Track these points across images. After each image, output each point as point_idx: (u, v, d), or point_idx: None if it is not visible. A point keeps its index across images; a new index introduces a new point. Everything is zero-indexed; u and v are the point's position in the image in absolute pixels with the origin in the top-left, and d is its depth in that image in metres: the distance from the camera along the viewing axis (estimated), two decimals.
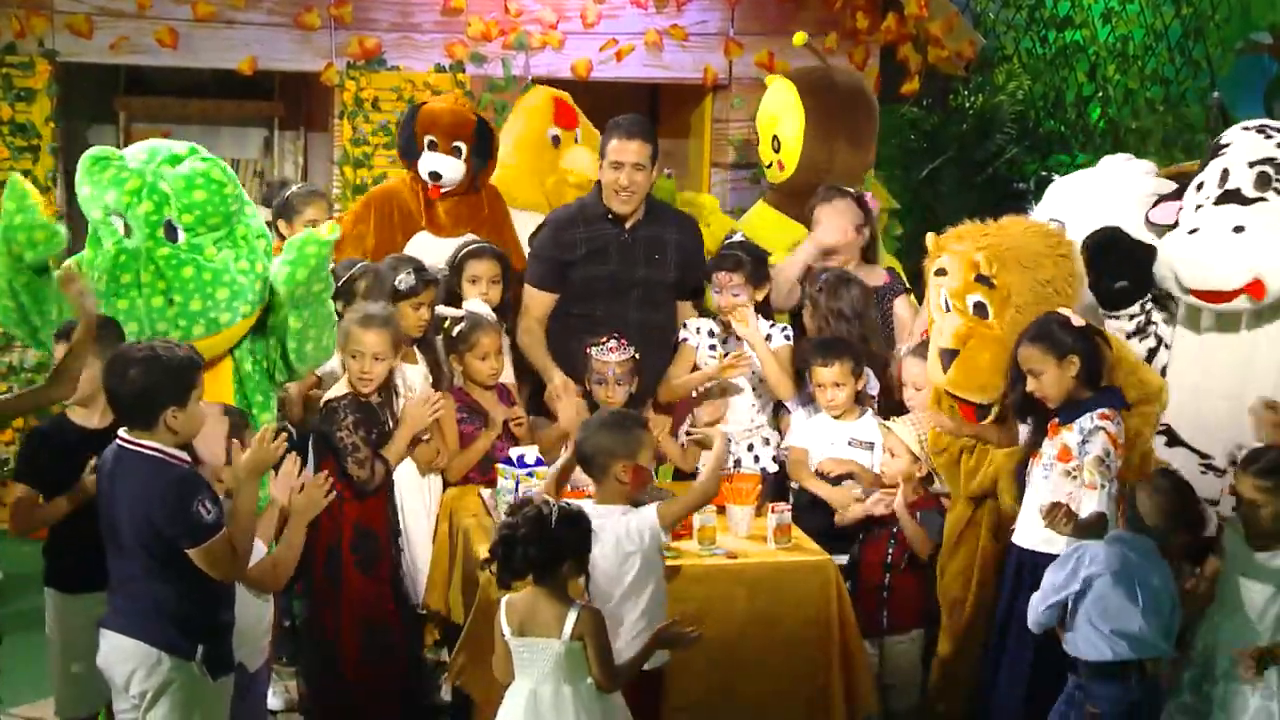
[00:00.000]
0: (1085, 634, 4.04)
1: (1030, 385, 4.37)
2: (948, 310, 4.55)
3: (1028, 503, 4.42)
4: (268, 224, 5.91)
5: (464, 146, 6.16)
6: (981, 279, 4.46)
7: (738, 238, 5.73)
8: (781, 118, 6.69)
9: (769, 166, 6.80)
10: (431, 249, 5.97)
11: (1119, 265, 4.68)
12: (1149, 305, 4.74)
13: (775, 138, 6.69)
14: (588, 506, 4.08)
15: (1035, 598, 4.13)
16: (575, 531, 3.91)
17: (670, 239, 5.67)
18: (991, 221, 4.65)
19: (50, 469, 4.30)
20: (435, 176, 6.15)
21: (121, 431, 3.92)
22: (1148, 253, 4.69)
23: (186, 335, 4.45)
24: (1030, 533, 4.42)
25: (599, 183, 5.67)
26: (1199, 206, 4.68)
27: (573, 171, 6.49)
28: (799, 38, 6.91)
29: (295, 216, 5.79)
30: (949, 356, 4.50)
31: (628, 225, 5.61)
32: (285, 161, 7.99)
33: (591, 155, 6.41)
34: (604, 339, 5.38)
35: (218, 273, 4.56)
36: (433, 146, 6.16)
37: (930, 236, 4.67)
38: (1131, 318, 4.72)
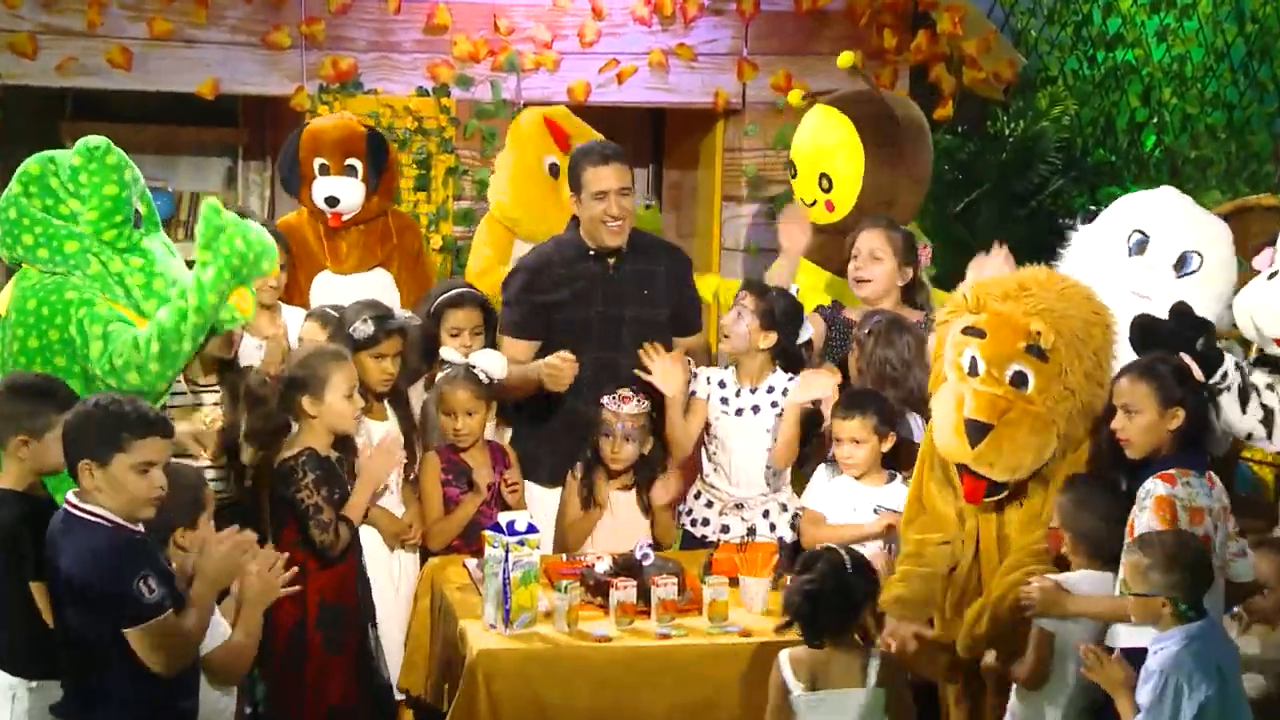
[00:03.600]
0: None
1: (1117, 422, 4.34)
2: (973, 373, 4.50)
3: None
4: None
5: (359, 164, 6.22)
6: (1034, 350, 4.42)
7: (794, 289, 5.83)
8: (835, 153, 6.64)
9: (811, 204, 6.73)
10: (335, 290, 5.98)
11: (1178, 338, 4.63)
12: (1249, 370, 4.69)
13: (825, 176, 6.65)
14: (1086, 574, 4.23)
15: None
16: (869, 577, 4.21)
17: (659, 270, 5.69)
18: (1027, 273, 4.62)
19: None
20: (332, 202, 6.19)
21: (69, 494, 3.96)
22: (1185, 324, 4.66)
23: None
24: (1124, 631, 4.28)
25: (574, 218, 5.68)
26: None
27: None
28: (846, 58, 6.84)
29: None
30: (979, 429, 4.43)
31: (611, 261, 5.62)
32: (250, 194, 8.01)
33: None
34: (618, 390, 5.41)
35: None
36: (324, 170, 6.22)
37: (965, 290, 4.62)
38: (1225, 376, 4.65)
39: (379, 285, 6.15)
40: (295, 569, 4.33)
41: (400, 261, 6.30)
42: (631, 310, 5.63)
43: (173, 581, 3.92)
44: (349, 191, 6.19)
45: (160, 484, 3.93)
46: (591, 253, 5.61)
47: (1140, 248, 5.07)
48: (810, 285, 6.48)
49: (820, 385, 5.34)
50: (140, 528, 3.94)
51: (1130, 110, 8.65)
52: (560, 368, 5.38)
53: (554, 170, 6.60)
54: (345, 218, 6.21)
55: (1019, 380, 4.43)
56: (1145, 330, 4.59)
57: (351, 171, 6.21)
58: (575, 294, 5.60)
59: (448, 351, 5.56)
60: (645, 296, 5.65)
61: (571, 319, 5.59)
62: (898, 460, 5.27)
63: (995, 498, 4.53)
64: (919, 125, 6.85)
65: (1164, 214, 5.14)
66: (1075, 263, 5.10)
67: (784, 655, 4.16)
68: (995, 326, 4.46)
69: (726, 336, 5.55)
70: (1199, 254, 5.02)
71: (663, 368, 5.45)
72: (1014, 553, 4.53)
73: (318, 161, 6.22)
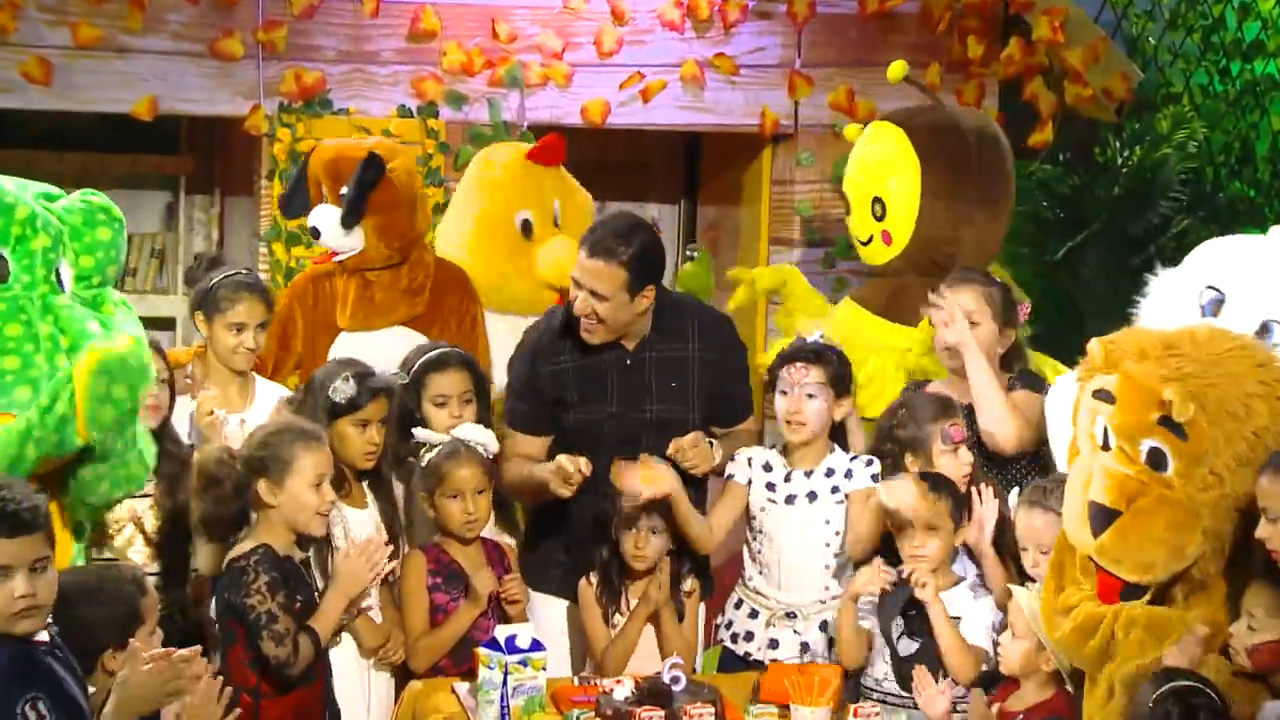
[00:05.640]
0: None
1: (1261, 530, 4.25)
2: (1105, 447, 4.45)
3: None
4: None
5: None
6: (1168, 423, 4.34)
7: (816, 337, 5.75)
8: (887, 173, 6.68)
9: (867, 242, 6.79)
10: (349, 352, 5.92)
11: None
12: None
13: (878, 200, 6.70)
14: None
15: None
16: None
17: (692, 355, 5.58)
18: (1184, 328, 4.54)
19: None
20: (314, 233, 6.28)
21: None
22: None
23: None
24: None
25: None
26: None
27: (551, 276, 6.55)
28: (897, 68, 6.87)
29: (217, 314, 5.77)
30: (1104, 515, 4.39)
31: (629, 345, 5.54)
32: (194, 235, 8.06)
33: (573, 244, 6.53)
34: (638, 460, 5.35)
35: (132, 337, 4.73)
36: (322, 196, 6.30)
37: (1095, 344, 4.54)
38: None
39: (405, 347, 6.08)
40: (238, 697, 4.30)
41: (447, 325, 6.31)
42: (655, 409, 5.55)
43: (82, 713, 3.87)
44: (329, 223, 6.24)
45: (26, 590, 3.81)
46: None
47: (1215, 308, 5.00)
48: (852, 335, 6.42)
49: (903, 494, 5.25)
50: (44, 636, 3.88)
51: (1272, 134, 8.62)
52: (569, 473, 5.33)
53: (526, 228, 6.63)
54: (339, 258, 6.25)
55: (1156, 459, 4.38)
56: None
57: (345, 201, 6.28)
58: (584, 390, 5.54)
59: (422, 432, 5.54)
60: (673, 390, 5.56)
61: (581, 420, 5.55)
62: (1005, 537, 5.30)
63: (1135, 600, 4.46)
64: (991, 139, 6.82)
65: (1247, 270, 5.07)
66: (1148, 318, 5.08)
67: None
68: (1125, 391, 4.41)
69: (798, 424, 5.50)
70: None
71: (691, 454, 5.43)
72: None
73: (320, 185, 6.31)
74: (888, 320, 6.61)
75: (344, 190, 6.21)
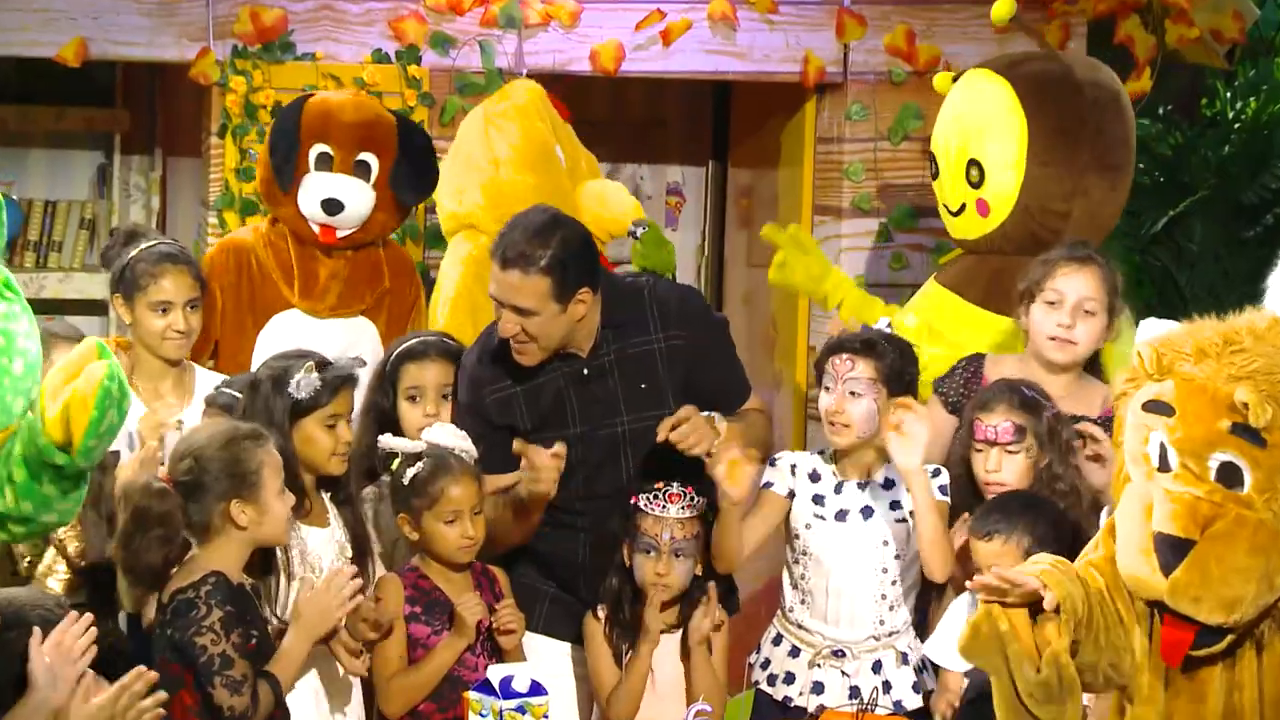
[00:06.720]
0: None
1: None
2: (1164, 468, 4.37)
3: None
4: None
5: (375, 163, 6.28)
6: (1242, 430, 4.27)
7: (882, 324, 5.73)
8: (987, 131, 6.63)
9: (957, 212, 6.73)
10: (302, 339, 5.94)
11: None
12: None
13: (974, 164, 6.64)
14: None
15: None
16: None
17: (657, 346, 5.58)
18: (1240, 320, 4.41)
19: None
20: (333, 207, 6.24)
21: None
22: None
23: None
24: None
25: None
26: None
27: (607, 217, 6.60)
28: (1003, 6, 6.80)
29: (138, 294, 5.78)
30: (1175, 547, 4.31)
31: (584, 352, 5.55)
32: (131, 203, 8.07)
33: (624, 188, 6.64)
34: (659, 484, 5.35)
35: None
36: (325, 162, 6.28)
37: (1142, 347, 4.43)
38: None
39: (364, 341, 6.20)
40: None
41: (391, 313, 6.43)
42: (627, 420, 5.56)
43: None
44: (357, 197, 6.26)
45: None
46: (557, 350, 5.54)
47: None
48: (946, 327, 6.45)
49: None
50: None
51: None
52: (541, 469, 5.38)
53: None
54: (341, 234, 6.31)
55: (1229, 475, 4.30)
56: None
57: (362, 170, 6.31)
58: (538, 415, 5.57)
59: (388, 439, 5.47)
60: (644, 393, 5.55)
61: (544, 449, 5.57)
62: None
63: (1207, 649, 4.37)
64: (1110, 94, 6.74)
65: None
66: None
67: None
68: (1186, 398, 4.30)
69: (840, 425, 5.49)
70: None
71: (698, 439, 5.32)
72: None
73: (317, 150, 6.29)
74: (989, 310, 6.52)
75: (363, 157, 6.30)
